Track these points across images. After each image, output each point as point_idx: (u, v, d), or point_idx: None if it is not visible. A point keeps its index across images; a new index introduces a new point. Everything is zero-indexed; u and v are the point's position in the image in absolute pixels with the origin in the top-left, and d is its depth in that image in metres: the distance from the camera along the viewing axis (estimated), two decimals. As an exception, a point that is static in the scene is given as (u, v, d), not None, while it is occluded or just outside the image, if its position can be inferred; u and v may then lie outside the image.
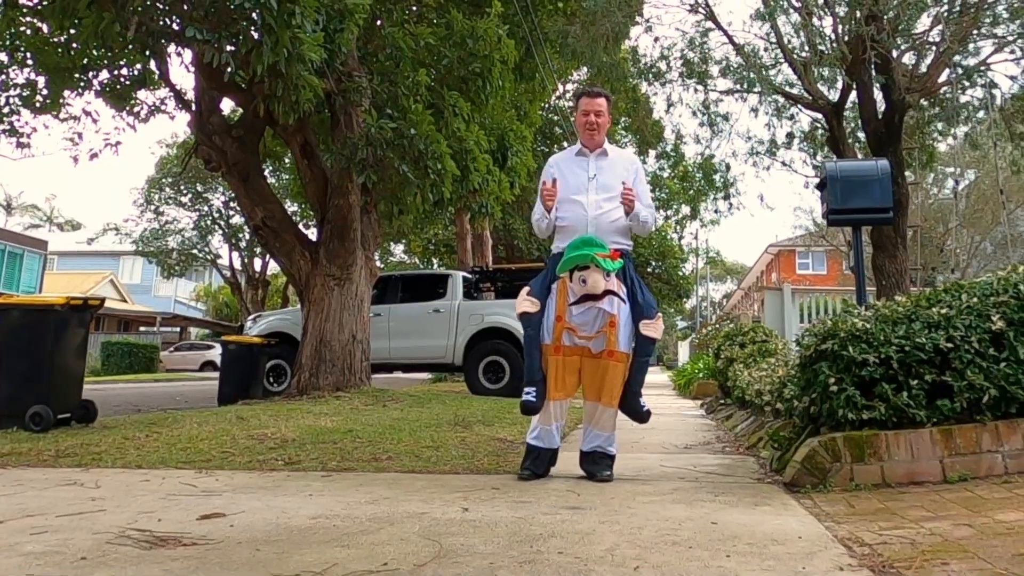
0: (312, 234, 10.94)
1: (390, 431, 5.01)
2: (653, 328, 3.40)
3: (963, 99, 7.74)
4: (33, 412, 4.94)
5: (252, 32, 5.46)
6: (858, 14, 6.29)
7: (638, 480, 3.42)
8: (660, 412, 8.29)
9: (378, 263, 10.68)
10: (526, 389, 3.39)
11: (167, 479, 3.40)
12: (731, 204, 15.18)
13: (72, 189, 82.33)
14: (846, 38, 6.77)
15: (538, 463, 3.44)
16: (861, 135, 8.53)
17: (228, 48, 6.11)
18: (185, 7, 5.53)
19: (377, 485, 3.25)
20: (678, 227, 27.52)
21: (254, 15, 5.74)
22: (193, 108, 9.16)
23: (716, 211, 18.71)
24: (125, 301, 37.54)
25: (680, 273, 33.28)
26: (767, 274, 44.56)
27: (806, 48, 7.78)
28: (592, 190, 3.52)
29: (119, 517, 2.57)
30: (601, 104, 3.63)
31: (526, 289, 3.53)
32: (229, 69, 5.89)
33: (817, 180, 5.60)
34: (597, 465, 3.44)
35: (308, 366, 8.30)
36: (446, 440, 4.63)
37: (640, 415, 3.46)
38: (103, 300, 5.56)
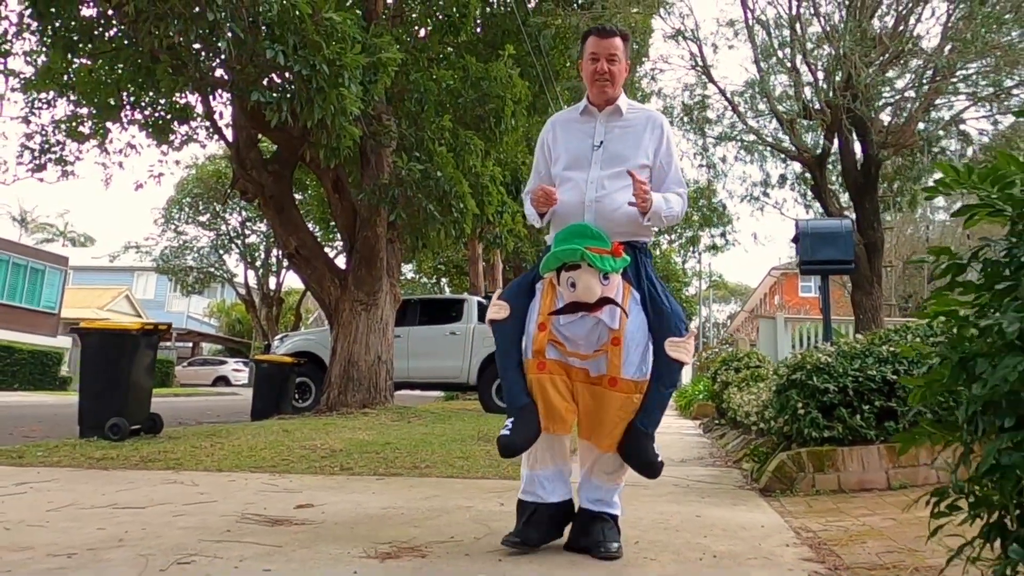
0: (331, 253, 11.67)
1: (423, 444, 5.71)
2: (683, 348, 2.49)
3: (936, 150, 8.51)
4: (112, 423, 5.66)
5: (305, 92, 6.21)
6: (837, 78, 7.08)
7: (639, 486, 4.10)
8: (661, 431, 8.96)
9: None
10: (506, 422, 2.52)
11: (249, 480, 4.11)
12: (727, 240, 16.44)
13: (84, 203, 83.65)
14: (826, 100, 7.57)
15: (532, 525, 2.49)
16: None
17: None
18: (256, 72, 6.25)
19: (425, 487, 3.95)
20: (682, 251, 28.24)
21: (303, 73, 6.52)
22: (231, 140, 9.97)
23: (714, 247, 19.57)
24: (140, 316, 38.32)
25: (683, 295, 34.05)
26: (770, 297, 45.10)
27: (792, 104, 8.59)
28: (596, 163, 2.62)
29: (231, 506, 3.27)
30: (616, 46, 2.65)
31: (498, 292, 2.74)
32: (278, 120, 6.66)
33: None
34: (593, 534, 2.51)
35: (337, 384, 9.02)
36: (473, 452, 5.33)
37: (652, 465, 2.50)
38: (170, 325, 6.30)
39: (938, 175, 1.41)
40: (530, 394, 2.49)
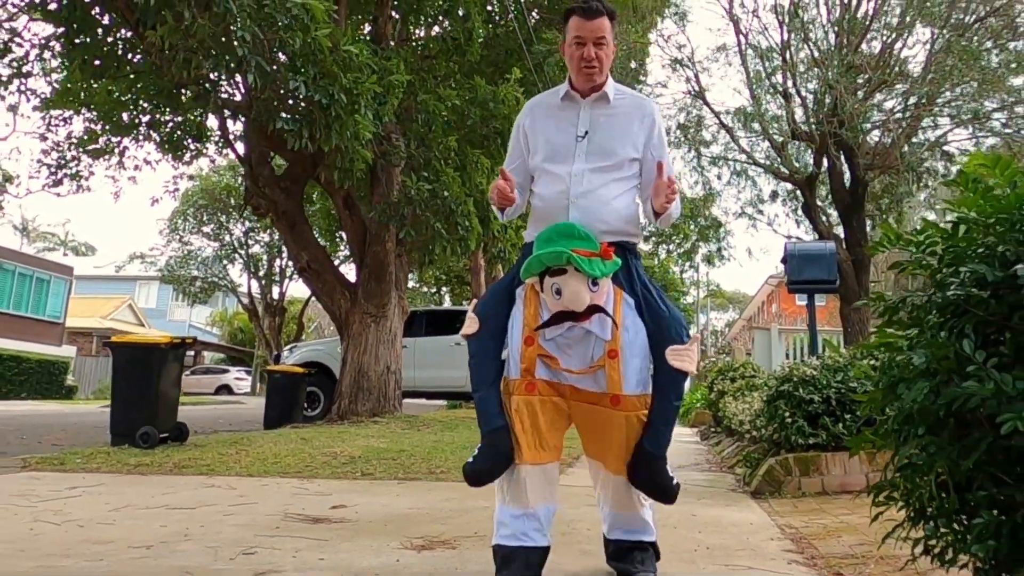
0: (335, 263, 12.03)
1: (435, 451, 6.05)
2: (686, 356, 2.22)
3: (922, 170, 8.93)
4: (142, 432, 6.00)
5: (324, 119, 6.59)
6: (826, 103, 7.51)
7: (640, 489, 4.46)
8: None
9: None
10: (476, 449, 2.28)
11: (281, 484, 4.45)
12: (722, 255, 17.11)
13: (85, 213, 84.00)
14: (815, 124, 8.01)
15: (529, 569, 2.19)
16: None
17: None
18: (275, 99, 6.65)
19: (442, 490, 4.30)
20: (680, 261, 28.65)
21: (322, 102, 6.89)
22: (243, 154, 10.35)
23: (710, 258, 20.12)
24: (142, 325, 38.64)
25: (681, 304, 34.46)
26: (768, 305, 45.47)
27: (783, 126, 9.05)
28: (580, 155, 2.35)
29: (272, 507, 3.62)
30: (604, 27, 2.34)
31: (473, 303, 2.43)
32: (299, 145, 7.03)
33: (794, 238, 6.73)
34: (627, 562, 2.34)
35: (348, 394, 9.37)
36: (484, 458, 5.67)
37: (667, 490, 2.27)
38: (196, 339, 6.65)
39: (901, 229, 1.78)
40: (504, 416, 2.23)
